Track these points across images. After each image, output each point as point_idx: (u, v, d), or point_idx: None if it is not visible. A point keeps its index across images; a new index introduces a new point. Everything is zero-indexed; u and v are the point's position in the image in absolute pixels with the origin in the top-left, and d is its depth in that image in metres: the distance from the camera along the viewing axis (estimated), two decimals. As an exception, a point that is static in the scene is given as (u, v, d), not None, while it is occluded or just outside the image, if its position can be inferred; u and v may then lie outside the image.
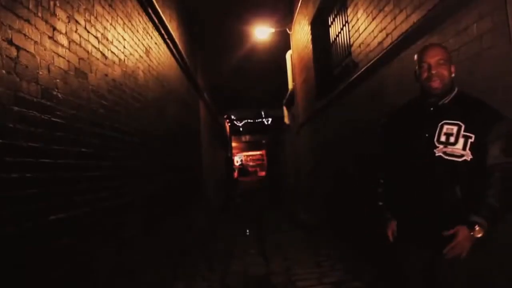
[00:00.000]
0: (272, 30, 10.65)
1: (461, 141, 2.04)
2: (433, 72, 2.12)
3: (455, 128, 2.06)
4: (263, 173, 37.39)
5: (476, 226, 1.95)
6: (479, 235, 1.94)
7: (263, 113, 29.10)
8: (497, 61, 2.41)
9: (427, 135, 2.13)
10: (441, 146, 2.08)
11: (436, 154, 2.08)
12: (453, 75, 2.18)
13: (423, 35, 3.21)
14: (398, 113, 2.43)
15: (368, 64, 4.50)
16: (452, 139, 2.06)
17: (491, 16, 2.44)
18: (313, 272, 5.17)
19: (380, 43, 4.18)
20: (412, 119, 2.27)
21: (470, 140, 2.02)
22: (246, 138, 35.62)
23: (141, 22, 4.61)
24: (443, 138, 2.08)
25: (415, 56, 2.26)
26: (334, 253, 5.91)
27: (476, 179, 2.02)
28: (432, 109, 2.19)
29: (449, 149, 2.05)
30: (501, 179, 1.95)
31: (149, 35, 4.97)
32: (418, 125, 2.20)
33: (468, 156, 2.02)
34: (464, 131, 2.04)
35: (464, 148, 2.03)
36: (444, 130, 2.09)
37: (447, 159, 2.06)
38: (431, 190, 2.10)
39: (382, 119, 2.53)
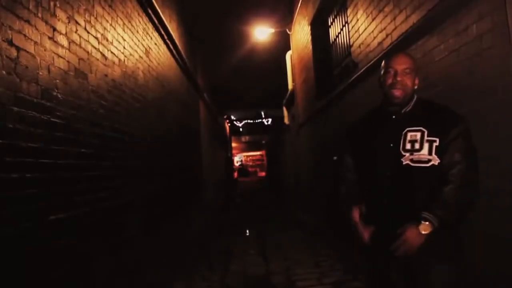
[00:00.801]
0: (272, 30, 10.65)
1: (426, 146, 2.00)
2: (398, 79, 2.10)
3: (418, 134, 2.03)
4: (263, 174, 37.42)
5: (424, 221, 1.91)
6: (426, 232, 1.90)
7: (263, 113, 29.09)
8: (496, 61, 2.41)
9: (391, 144, 2.09)
10: (407, 154, 2.04)
11: (404, 163, 2.04)
12: (415, 87, 2.17)
13: (423, 35, 3.21)
14: (360, 123, 2.40)
15: (368, 65, 4.50)
16: (417, 146, 2.02)
17: (491, 16, 2.44)
18: (312, 272, 5.17)
19: (380, 43, 4.19)
20: (375, 129, 2.23)
21: (435, 144, 1.99)
22: (246, 138, 35.63)
23: (141, 23, 4.61)
24: (408, 146, 2.04)
25: (382, 62, 2.24)
26: (334, 253, 5.92)
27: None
28: (394, 117, 2.17)
29: (415, 156, 2.01)
30: (458, 175, 1.91)
31: (149, 35, 4.97)
32: (382, 134, 2.17)
33: (435, 160, 1.99)
34: (427, 136, 2.01)
35: (430, 153, 1.99)
36: (408, 137, 2.05)
37: (415, 166, 2.01)
38: (402, 199, 2.05)
39: (347, 129, 2.50)
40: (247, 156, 45.46)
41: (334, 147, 6.51)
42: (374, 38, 4.34)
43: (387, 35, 3.96)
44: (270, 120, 29.22)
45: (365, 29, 4.63)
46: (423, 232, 1.90)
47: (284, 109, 13.17)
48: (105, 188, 3.23)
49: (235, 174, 31.27)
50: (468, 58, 2.67)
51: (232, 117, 28.15)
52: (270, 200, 16.57)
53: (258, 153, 42.85)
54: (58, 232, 2.46)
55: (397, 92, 2.10)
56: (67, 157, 2.64)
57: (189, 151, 7.70)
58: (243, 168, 41.85)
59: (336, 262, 5.47)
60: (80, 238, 2.74)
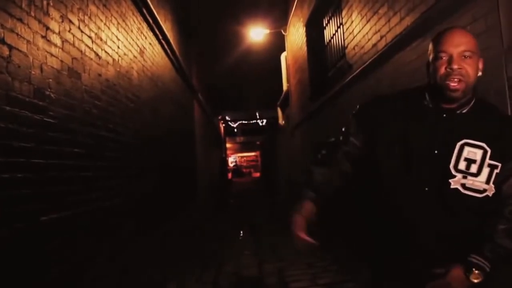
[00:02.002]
0: (267, 31, 10.67)
1: (485, 171, 1.52)
2: (455, 67, 1.48)
3: (479, 153, 1.52)
4: (257, 174, 37.41)
5: (476, 269, 1.49)
6: (477, 281, 1.49)
7: (257, 114, 29.11)
8: (489, 64, 2.41)
9: (436, 152, 1.55)
10: (458, 176, 1.53)
11: (452, 186, 1.52)
12: (480, 73, 1.56)
13: (417, 37, 3.22)
14: (389, 104, 1.71)
15: (363, 66, 4.52)
16: (474, 168, 1.52)
17: (484, 19, 2.45)
18: (306, 273, 5.17)
19: (374, 45, 4.20)
20: (412, 123, 1.61)
21: (496, 171, 1.52)
22: (241, 139, 35.62)
23: (136, 22, 4.59)
24: (462, 166, 1.53)
25: (431, 43, 1.61)
26: (327, 254, 5.92)
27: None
28: (445, 116, 1.58)
29: (469, 181, 1.52)
30: None
31: (144, 35, 4.95)
32: (422, 134, 1.58)
33: (490, 191, 1.52)
34: (489, 159, 1.52)
35: (488, 182, 1.52)
36: (465, 153, 1.53)
37: (465, 194, 1.52)
38: (440, 228, 1.55)
39: (361, 107, 1.79)
40: (242, 156, 45.45)
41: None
42: (369, 40, 4.35)
43: (381, 37, 3.97)
44: (264, 121, 29.24)
45: (360, 30, 4.65)
46: (474, 281, 1.50)
47: (279, 110, 13.19)
48: (99, 188, 3.20)
49: (229, 175, 31.24)
50: (462, 61, 2.67)
51: (227, 118, 28.14)
52: (264, 201, 16.56)
53: (252, 153, 42.86)
54: (50, 233, 2.43)
55: (454, 84, 1.49)
56: (60, 157, 2.62)
57: (183, 151, 7.68)
58: (237, 168, 41.82)
59: (329, 264, 5.47)
60: (73, 239, 2.72)
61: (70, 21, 2.88)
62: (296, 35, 9.20)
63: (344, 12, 5.30)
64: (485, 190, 1.52)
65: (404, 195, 1.58)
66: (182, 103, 7.95)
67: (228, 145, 32.67)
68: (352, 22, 4.94)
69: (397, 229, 1.61)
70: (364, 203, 1.79)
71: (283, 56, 11.19)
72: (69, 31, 2.85)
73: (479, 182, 1.52)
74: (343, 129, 1.80)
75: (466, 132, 1.54)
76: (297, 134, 9.89)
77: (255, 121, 30.17)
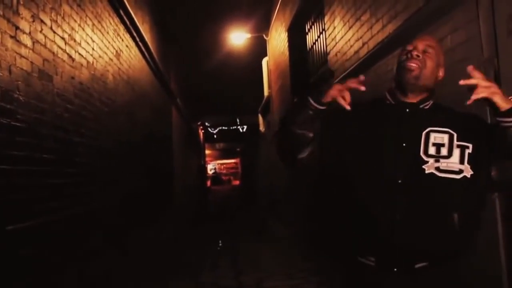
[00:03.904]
0: (249, 35, 10.61)
1: (456, 152, 1.53)
2: (415, 53, 1.59)
3: (445, 137, 1.56)
4: (237, 182, 37.27)
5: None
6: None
7: (238, 120, 29.03)
8: (469, 74, 2.41)
9: (404, 144, 1.57)
10: (431, 161, 1.53)
11: (427, 171, 1.52)
12: (439, 78, 1.67)
13: (398, 45, 3.20)
14: (361, 106, 1.71)
15: (345, 73, 4.50)
16: (444, 151, 1.54)
17: (465, 29, 2.45)
18: (285, 285, 5.09)
19: (356, 52, 4.18)
20: (378, 120, 1.66)
21: (467, 151, 1.53)
22: (220, 145, 35.38)
23: (112, 24, 4.47)
24: (432, 150, 1.55)
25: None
26: (308, 265, 5.86)
27: (475, 202, 1.58)
28: (408, 110, 1.64)
29: (443, 163, 1.52)
30: None
31: (120, 37, 4.83)
32: (390, 129, 1.62)
33: (468, 171, 1.52)
34: (457, 140, 1.55)
35: (461, 162, 1.52)
36: (432, 139, 1.56)
37: (442, 178, 1.52)
38: (416, 219, 1.53)
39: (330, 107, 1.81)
40: (221, 163, 45.26)
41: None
42: (351, 46, 4.34)
43: (363, 44, 3.96)
44: (245, 127, 29.16)
45: (342, 37, 4.63)
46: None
47: (260, 116, 13.14)
48: (69, 195, 3.09)
49: (208, 183, 31.04)
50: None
51: (206, 124, 27.95)
52: (244, 210, 16.46)
53: (232, 160, 42.70)
54: (17, 243, 2.32)
55: (412, 64, 1.57)
56: (28, 163, 2.51)
57: (160, 158, 7.55)
58: (216, 176, 41.62)
59: (310, 275, 5.40)
60: (43, 248, 2.61)
61: (42, 21, 2.77)
62: (278, 40, 9.18)
63: (326, 18, 5.28)
64: (461, 171, 1.52)
65: (377, 193, 1.56)
66: (160, 107, 7.82)
67: (207, 152, 32.44)
68: (334, 28, 4.93)
69: (374, 229, 1.56)
70: (337, 208, 1.69)
71: (264, 61, 11.15)
72: (40, 32, 2.74)
73: (453, 163, 1.52)
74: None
75: (430, 122, 1.59)
76: (277, 140, 9.84)
77: (235, 127, 30.07)
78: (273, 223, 10.27)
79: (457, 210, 1.51)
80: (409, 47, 1.63)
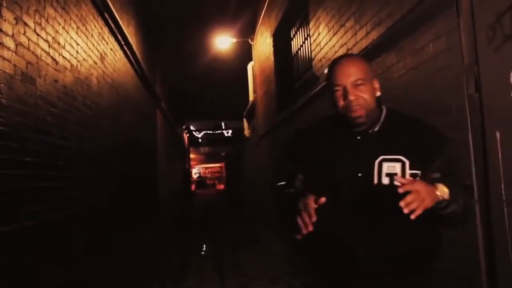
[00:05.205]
0: (234, 40, 10.62)
1: None
2: (351, 98, 1.57)
3: (397, 166, 1.56)
4: (221, 186, 37.16)
5: (440, 183, 1.46)
6: (440, 195, 1.43)
7: (223, 124, 28.97)
8: (451, 82, 2.46)
9: (360, 175, 1.59)
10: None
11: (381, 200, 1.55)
12: (378, 93, 1.66)
13: (382, 52, 3.26)
14: (311, 134, 1.80)
15: (329, 79, 4.54)
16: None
17: (446, 37, 2.50)
18: (270, 289, 5.09)
19: (340, 58, 4.23)
20: (332, 150, 1.67)
21: (417, 179, 1.52)
22: (205, 149, 35.30)
23: (97, 27, 4.44)
24: (385, 181, 1.55)
25: (326, 70, 1.74)
26: (292, 269, 5.87)
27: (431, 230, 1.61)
28: (359, 138, 1.64)
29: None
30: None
31: (105, 40, 4.79)
32: (344, 158, 1.63)
33: None
34: (410, 169, 1.55)
35: None
36: (385, 169, 1.56)
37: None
38: (375, 247, 1.55)
39: (290, 139, 1.93)
40: (206, 168, 45.11)
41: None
42: (335, 52, 4.38)
43: (347, 50, 4.00)
44: (230, 131, 29.13)
45: (327, 43, 4.68)
46: (437, 193, 1.42)
47: (245, 120, 13.16)
48: (52, 199, 3.04)
49: (193, 187, 30.88)
50: (425, 77, 2.71)
51: (191, 128, 27.85)
52: (229, 214, 16.40)
53: (217, 165, 42.58)
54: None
55: (356, 113, 1.59)
56: (10, 167, 2.46)
57: (144, 162, 7.48)
58: (201, 180, 41.46)
59: (294, 279, 5.41)
60: (24, 253, 2.56)
61: (25, 24, 2.73)
62: (263, 45, 9.22)
63: (311, 24, 5.33)
64: None
65: (340, 223, 1.60)
66: (145, 111, 7.76)
67: (192, 156, 32.33)
68: (319, 34, 4.97)
69: (339, 256, 1.62)
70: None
71: (250, 66, 11.17)
72: (23, 34, 2.70)
73: None
74: (286, 170, 1.87)
75: (382, 148, 1.59)
76: (263, 145, 9.87)
77: (220, 131, 30.01)
78: (257, 228, 10.25)
79: (412, 234, 1.54)
80: (339, 88, 1.60)
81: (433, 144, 1.61)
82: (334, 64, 1.67)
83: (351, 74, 1.59)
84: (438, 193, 1.42)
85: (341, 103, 1.61)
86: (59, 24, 3.31)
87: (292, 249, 6.55)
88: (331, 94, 1.65)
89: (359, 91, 1.59)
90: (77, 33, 3.73)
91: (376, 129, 1.65)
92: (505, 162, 2.07)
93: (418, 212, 1.32)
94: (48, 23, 3.09)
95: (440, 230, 1.66)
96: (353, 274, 1.59)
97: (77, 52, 3.73)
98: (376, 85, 1.66)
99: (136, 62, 6.61)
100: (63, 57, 3.38)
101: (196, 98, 16.53)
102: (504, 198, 2.07)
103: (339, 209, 1.59)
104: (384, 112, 1.68)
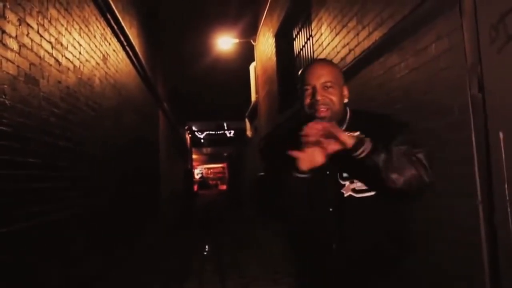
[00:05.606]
0: (236, 40, 10.62)
1: None
2: (318, 98, 1.62)
3: None
4: (224, 187, 37.13)
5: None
6: (352, 143, 1.50)
7: (225, 125, 29.00)
8: (453, 82, 2.45)
9: (328, 172, 1.64)
10: (347, 183, 1.63)
11: (345, 195, 1.62)
12: (346, 100, 1.72)
13: (384, 52, 3.25)
14: (281, 139, 1.84)
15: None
16: None
17: (448, 37, 2.49)
18: (271, 290, 5.09)
19: (343, 58, 4.22)
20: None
21: None
22: (208, 150, 35.29)
23: (99, 28, 4.45)
24: (346, 173, 1.64)
25: (299, 74, 1.78)
26: (293, 270, 5.86)
27: (398, 213, 1.67)
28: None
29: (358, 183, 1.62)
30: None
31: (107, 41, 4.81)
32: None
33: None
34: None
35: None
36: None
37: (359, 198, 1.61)
38: (353, 240, 1.61)
39: (261, 142, 2.00)
40: (208, 168, 45.10)
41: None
42: (338, 53, 4.37)
43: (350, 51, 4.00)
44: (232, 132, 29.14)
45: (329, 43, 4.67)
46: (353, 134, 1.55)
47: (247, 121, 13.15)
48: (54, 200, 3.05)
49: (195, 187, 30.89)
50: (427, 77, 2.71)
51: (194, 128, 27.88)
52: (230, 215, 16.39)
53: (219, 165, 42.57)
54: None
55: (321, 113, 1.63)
56: (11, 167, 2.47)
57: (146, 162, 7.50)
58: (203, 180, 41.46)
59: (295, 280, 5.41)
60: (24, 253, 2.56)
61: (29, 25, 2.75)
62: (265, 45, 9.21)
63: (313, 24, 5.32)
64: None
65: (316, 224, 1.68)
66: (147, 112, 7.78)
67: (194, 156, 32.31)
68: (321, 34, 4.97)
69: (314, 254, 1.71)
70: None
71: (252, 67, 11.16)
72: (27, 35, 2.72)
73: None
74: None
75: None
76: (265, 145, 9.84)
77: (222, 132, 30.02)
78: (259, 228, 10.24)
79: (378, 224, 1.61)
80: (309, 88, 1.66)
81: (395, 127, 1.66)
82: (307, 66, 1.76)
83: (321, 76, 1.65)
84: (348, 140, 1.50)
85: (307, 101, 1.67)
86: (62, 25, 3.32)
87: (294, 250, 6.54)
88: (301, 94, 1.71)
89: (328, 93, 1.64)
90: (79, 34, 3.75)
91: (343, 127, 1.69)
92: (508, 162, 2.06)
93: (312, 139, 1.47)
94: (51, 24, 3.11)
95: (407, 230, 1.72)
96: (327, 270, 1.68)
97: (80, 53, 3.75)
98: (345, 92, 1.72)
99: (139, 63, 6.62)
100: (66, 58, 3.40)
101: (199, 98, 16.55)
102: (507, 198, 2.06)
103: (317, 212, 1.66)
104: (348, 112, 1.75)
